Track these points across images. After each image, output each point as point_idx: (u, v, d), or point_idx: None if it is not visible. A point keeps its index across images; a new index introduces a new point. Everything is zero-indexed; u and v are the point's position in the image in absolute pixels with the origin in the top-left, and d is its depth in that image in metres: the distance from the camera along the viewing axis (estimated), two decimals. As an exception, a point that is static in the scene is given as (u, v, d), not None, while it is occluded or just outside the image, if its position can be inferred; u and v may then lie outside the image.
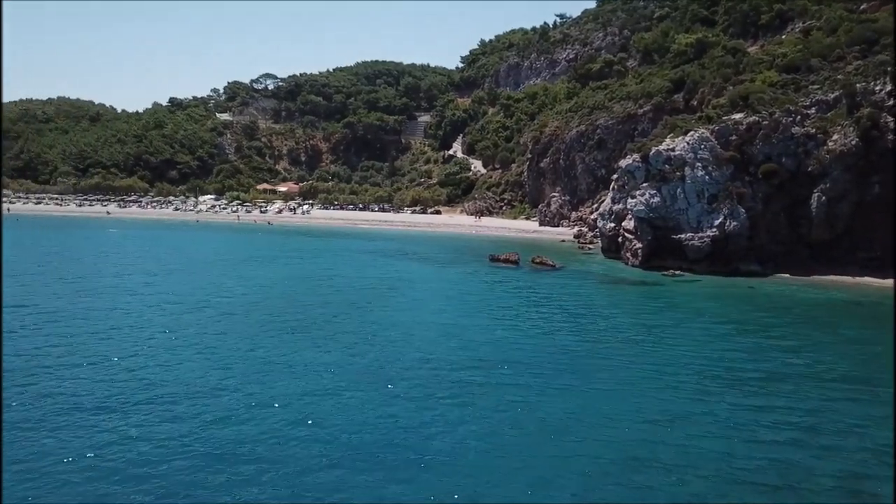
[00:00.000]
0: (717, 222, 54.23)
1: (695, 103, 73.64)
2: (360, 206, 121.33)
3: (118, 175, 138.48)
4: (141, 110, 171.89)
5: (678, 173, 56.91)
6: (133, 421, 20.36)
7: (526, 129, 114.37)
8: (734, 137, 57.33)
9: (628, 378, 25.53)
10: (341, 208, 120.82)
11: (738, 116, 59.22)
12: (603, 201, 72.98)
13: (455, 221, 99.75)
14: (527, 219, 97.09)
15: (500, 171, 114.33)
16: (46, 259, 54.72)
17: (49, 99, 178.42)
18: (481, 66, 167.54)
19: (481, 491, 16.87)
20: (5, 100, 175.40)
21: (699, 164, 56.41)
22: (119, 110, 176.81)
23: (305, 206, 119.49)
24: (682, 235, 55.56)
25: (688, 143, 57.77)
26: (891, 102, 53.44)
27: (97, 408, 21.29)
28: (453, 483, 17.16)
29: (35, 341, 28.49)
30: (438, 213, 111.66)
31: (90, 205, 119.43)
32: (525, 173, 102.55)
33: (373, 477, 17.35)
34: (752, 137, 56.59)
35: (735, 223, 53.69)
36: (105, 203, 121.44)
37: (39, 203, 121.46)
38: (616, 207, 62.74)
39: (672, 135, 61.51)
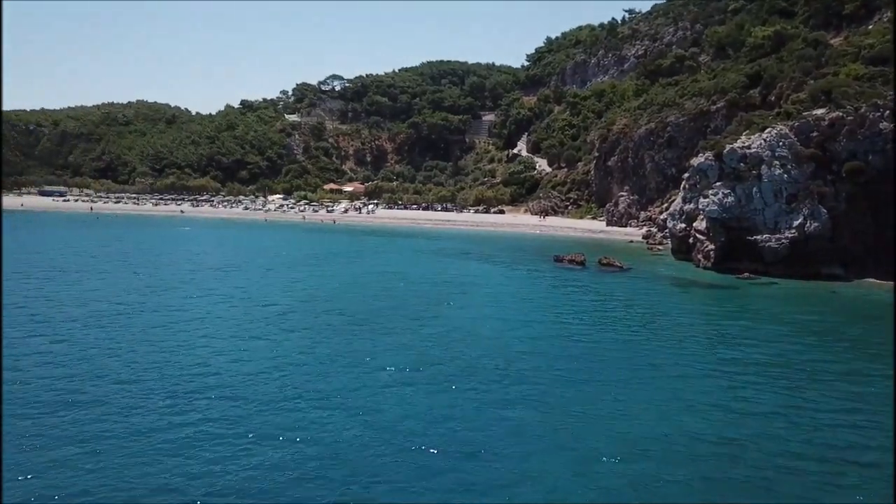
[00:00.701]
0: (796, 223, 51.53)
1: (772, 99, 70.40)
2: (424, 205, 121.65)
3: (192, 175, 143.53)
4: (214, 112, 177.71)
5: (754, 172, 54.40)
6: (195, 409, 20.88)
7: (593, 127, 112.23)
8: (815, 134, 54.36)
9: (702, 387, 24.25)
10: (405, 208, 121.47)
11: (819, 112, 56.13)
12: (673, 201, 70.69)
13: (519, 221, 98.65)
14: (593, 218, 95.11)
15: (565, 169, 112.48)
16: (124, 256, 56.83)
17: (129, 102, 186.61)
18: (547, 63, 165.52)
19: (540, 494, 16.19)
20: (90, 103, 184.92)
21: (777, 163, 53.75)
22: (193, 112, 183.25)
23: (370, 206, 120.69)
24: (758, 237, 53.08)
25: (765, 141, 55.15)
26: None
27: (162, 397, 21.84)
28: (513, 484, 16.69)
29: (111, 333, 29.62)
30: (502, 212, 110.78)
31: (165, 204, 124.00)
32: (592, 172, 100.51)
33: (431, 475, 17.10)
34: (836, 134, 53.51)
35: (816, 224, 50.88)
36: (179, 202, 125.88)
37: (118, 202, 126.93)
38: (687, 207, 60.53)
39: (748, 132, 58.88)
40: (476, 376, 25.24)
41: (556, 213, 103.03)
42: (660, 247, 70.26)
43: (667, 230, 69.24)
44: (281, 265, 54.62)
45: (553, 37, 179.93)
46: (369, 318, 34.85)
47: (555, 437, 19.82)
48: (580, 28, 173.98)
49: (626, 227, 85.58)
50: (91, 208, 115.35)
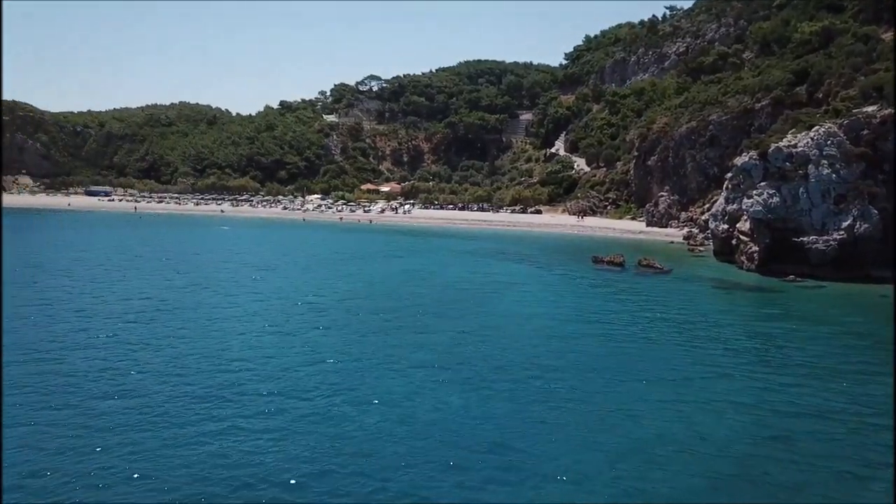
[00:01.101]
0: (844, 224, 49.82)
1: (820, 96, 68.31)
2: (460, 205, 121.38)
3: (232, 175, 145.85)
4: (253, 113, 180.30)
5: (801, 171, 52.77)
6: (231, 402, 21.24)
7: (632, 126, 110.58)
8: (866, 132, 52.52)
9: (744, 389, 23.50)
10: (441, 208, 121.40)
11: (870, 109, 54.23)
12: (715, 201, 69.12)
13: (557, 221, 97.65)
14: (632, 219, 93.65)
15: (604, 169, 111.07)
16: (166, 254, 57.86)
17: (172, 104, 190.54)
18: (586, 62, 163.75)
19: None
20: (134, 105, 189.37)
21: (825, 162, 52.05)
22: (234, 113, 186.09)
23: (406, 206, 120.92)
24: (805, 238, 51.47)
25: (812, 139, 53.47)
26: None
27: (199, 391, 22.33)
28: (546, 482, 16.51)
29: (154, 329, 30.18)
30: (539, 212, 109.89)
31: (206, 204, 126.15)
32: (631, 172, 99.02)
33: (466, 476, 16.95)
34: (887, 132, 51.61)
35: (866, 225, 49.13)
36: (219, 202, 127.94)
37: (161, 202, 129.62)
38: (730, 208, 59.08)
39: (794, 130, 57.19)
40: (511, 376, 25.04)
41: (594, 213, 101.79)
42: (701, 248, 68.77)
43: (708, 231, 67.77)
44: (318, 264, 54.98)
45: (592, 35, 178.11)
46: (404, 318, 34.84)
47: (591, 437, 19.51)
48: (620, 26, 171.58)
49: (666, 227, 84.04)
50: (135, 208, 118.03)
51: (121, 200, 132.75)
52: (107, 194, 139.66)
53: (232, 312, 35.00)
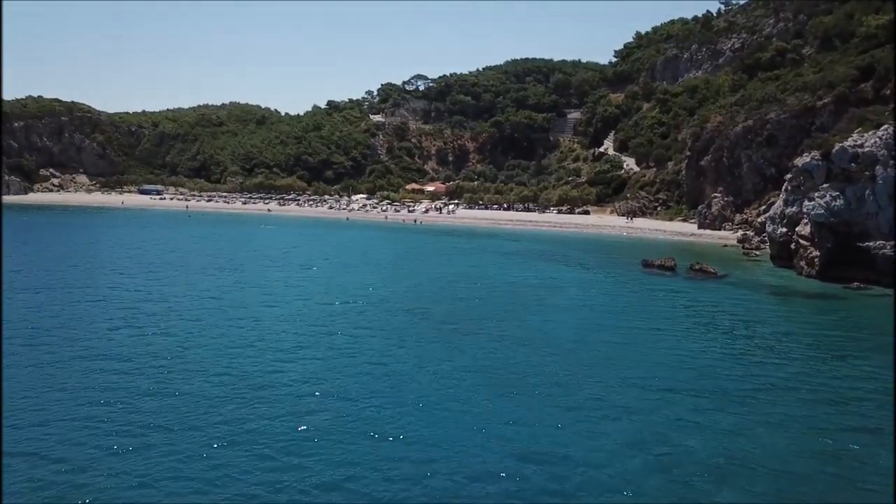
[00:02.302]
0: (915, 229, 46.81)
1: (887, 93, 64.71)
2: (505, 205, 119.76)
3: (280, 175, 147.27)
4: (301, 113, 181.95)
5: (867, 173, 49.87)
6: (274, 403, 21.67)
7: (684, 125, 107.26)
8: (940, 130, 49.26)
9: (805, 409, 21.76)
10: (486, 208, 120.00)
11: (944, 106, 50.89)
12: (772, 203, 66.26)
13: (605, 222, 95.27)
14: (684, 221, 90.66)
15: (654, 169, 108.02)
16: (214, 253, 58.22)
17: (222, 104, 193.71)
18: (636, 59, 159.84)
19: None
20: (187, 105, 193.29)
21: (893, 163, 49.04)
22: (282, 113, 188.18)
23: (451, 206, 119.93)
24: (871, 243, 48.63)
25: (880, 139, 50.46)
26: None
27: (243, 391, 22.79)
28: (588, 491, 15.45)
29: (199, 328, 30.59)
30: (587, 213, 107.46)
31: (254, 203, 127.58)
32: (683, 172, 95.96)
33: (514, 485, 16.72)
34: (964, 130, 48.30)
35: (939, 230, 46.04)
36: (267, 201, 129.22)
37: (210, 201, 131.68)
38: (789, 210, 56.35)
39: (860, 129, 54.13)
40: (558, 383, 24.26)
41: (643, 214, 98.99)
42: (757, 252, 65.91)
43: (765, 234, 64.96)
44: (362, 265, 54.50)
45: (643, 32, 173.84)
46: (448, 320, 34.11)
47: (645, 449, 18.69)
48: (672, 22, 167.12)
49: (719, 230, 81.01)
50: (187, 207, 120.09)
51: (172, 199, 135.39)
52: (158, 193, 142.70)
53: (275, 312, 35.27)
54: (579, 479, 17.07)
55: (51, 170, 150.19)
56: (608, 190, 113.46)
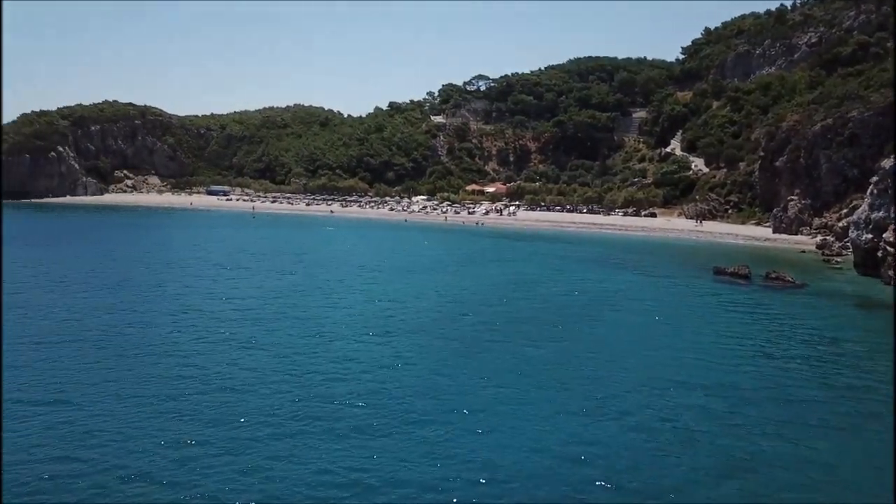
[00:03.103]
0: None
1: None
2: (568, 207, 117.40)
3: (342, 176, 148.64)
4: (364, 114, 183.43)
5: (966, 175, 46.09)
6: (327, 408, 21.58)
7: (757, 124, 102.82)
8: None
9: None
10: (548, 209, 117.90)
11: None
12: (855, 207, 62.43)
13: (672, 226, 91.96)
14: (757, 224, 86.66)
15: (724, 170, 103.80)
16: (277, 255, 58.67)
17: (287, 106, 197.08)
18: (705, 56, 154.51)
19: None
20: (253, 108, 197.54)
21: None
22: (345, 115, 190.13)
23: (512, 208, 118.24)
24: (970, 252, 44.91)
25: (981, 138, 46.55)
26: None
27: (296, 399, 22.58)
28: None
29: (260, 330, 30.34)
30: (653, 215, 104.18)
31: (317, 204, 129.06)
32: (756, 173, 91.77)
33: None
34: None
35: None
36: (329, 203, 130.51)
37: (275, 202, 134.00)
38: (875, 215, 52.77)
39: (957, 127, 50.18)
40: (623, 400, 23.14)
41: (713, 217, 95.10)
42: (838, 259, 62.09)
43: (847, 240, 61.20)
44: (420, 268, 53.87)
45: (712, 27, 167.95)
46: (507, 329, 33.10)
47: (724, 477, 17.38)
48: (743, 17, 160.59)
49: (796, 234, 76.97)
50: (253, 208, 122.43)
51: (238, 200, 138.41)
52: (225, 194, 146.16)
53: (334, 315, 35.31)
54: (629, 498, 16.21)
55: (125, 171, 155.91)
56: (675, 191, 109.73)
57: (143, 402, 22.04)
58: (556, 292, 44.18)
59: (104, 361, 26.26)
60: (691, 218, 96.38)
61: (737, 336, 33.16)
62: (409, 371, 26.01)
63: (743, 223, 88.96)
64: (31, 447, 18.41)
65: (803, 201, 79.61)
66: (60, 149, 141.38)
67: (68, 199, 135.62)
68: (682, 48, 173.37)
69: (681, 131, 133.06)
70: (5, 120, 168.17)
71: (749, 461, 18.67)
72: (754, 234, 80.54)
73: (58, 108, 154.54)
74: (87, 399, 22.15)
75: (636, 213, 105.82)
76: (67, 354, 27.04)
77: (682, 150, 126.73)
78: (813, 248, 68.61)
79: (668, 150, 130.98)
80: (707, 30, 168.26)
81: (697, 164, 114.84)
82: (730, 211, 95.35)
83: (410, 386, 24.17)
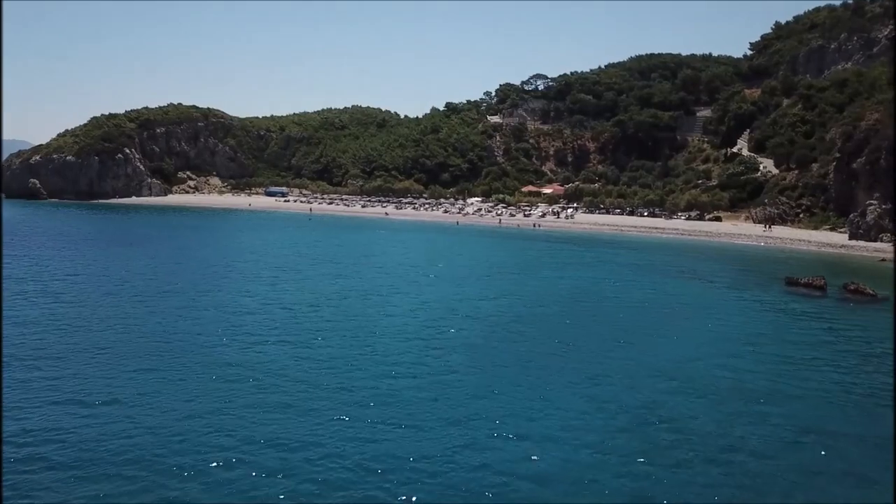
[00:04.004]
0: None
1: None
2: (628, 210, 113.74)
3: (398, 177, 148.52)
4: (420, 115, 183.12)
5: None
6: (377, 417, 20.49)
7: (832, 123, 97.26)
8: None
9: None
10: (607, 212, 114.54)
11: None
12: (945, 213, 57.62)
13: (739, 230, 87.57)
14: (831, 230, 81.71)
15: (796, 171, 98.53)
16: (333, 259, 58.14)
17: (345, 108, 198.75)
18: (775, 52, 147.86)
19: None
20: (311, 109, 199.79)
21: None
22: (402, 116, 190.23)
23: (569, 210, 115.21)
24: None
25: None
26: None
27: (346, 402, 22.55)
28: None
29: (308, 337, 29.86)
30: (718, 219, 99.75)
31: (372, 206, 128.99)
32: (830, 175, 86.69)
33: None
34: None
35: None
36: (384, 204, 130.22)
37: (331, 203, 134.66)
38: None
39: None
40: (678, 427, 21.42)
41: (783, 221, 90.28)
42: (924, 269, 57.49)
43: (935, 249, 56.57)
44: (474, 274, 52.32)
45: (783, 22, 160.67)
46: (566, 343, 31.42)
47: None
48: (817, 10, 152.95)
49: (875, 241, 72.08)
50: (310, 210, 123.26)
51: (295, 201, 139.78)
52: (283, 195, 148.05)
53: (384, 325, 34.63)
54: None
55: (187, 172, 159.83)
56: (742, 194, 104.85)
57: (193, 409, 21.96)
58: (617, 303, 41.90)
59: (165, 364, 26.17)
60: (759, 223, 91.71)
61: (815, 359, 30.30)
62: (461, 390, 24.53)
63: (815, 229, 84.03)
64: (93, 448, 18.93)
65: (884, 206, 74.50)
66: (127, 151, 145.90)
67: (134, 199, 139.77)
68: (751, 44, 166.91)
69: (748, 131, 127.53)
70: (75, 123, 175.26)
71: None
72: (828, 240, 75.84)
73: (125, 112, 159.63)
74: (150, 400, 22.77)
75: (700, 217, 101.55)
76: (126, 355, 27.70)
77: (750, 150, 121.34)
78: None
79: (734, 150, 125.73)
80: (777, 24, 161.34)
81: (766, 165, 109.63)
82: (801, 215, 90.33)
83: (460, 407, 22.81)
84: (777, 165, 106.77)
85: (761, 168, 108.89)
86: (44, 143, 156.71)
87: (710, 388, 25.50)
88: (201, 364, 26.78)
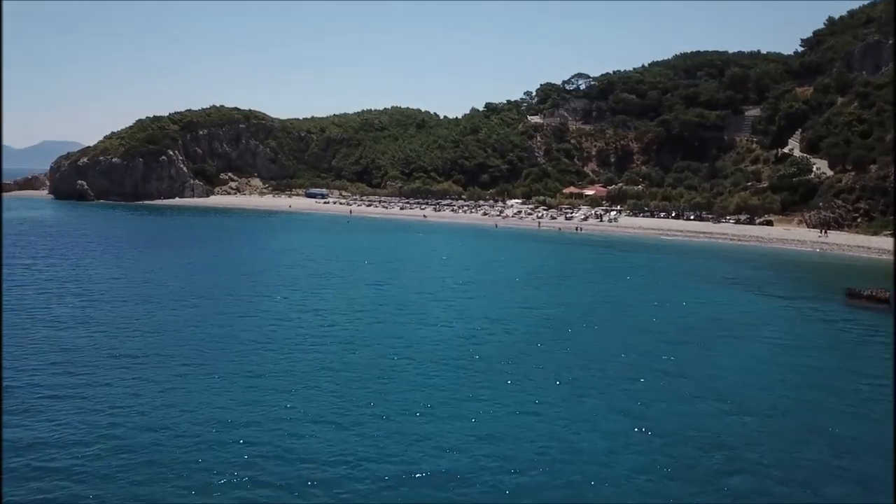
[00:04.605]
0: None
1: None
2: (674, 212, 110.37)
3: (436, 179, 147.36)
4: (460, 116, 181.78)
5: None
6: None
7: (891, 122, 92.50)
8: None
9: None
10: (651, 215, 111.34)
11: None
12: None
13: (793, 236, 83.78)
14: (892, 236, 77.52)
15: (852, 173, 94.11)
16: (376, 264, 57.16)
17: (384, 109, 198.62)
18: (828, 48, 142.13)
19: None
20: (351, 110, 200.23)
21: None
22: (441, 116, 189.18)
23: (612, 213, 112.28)
24: None
25: None
26: None
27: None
28: None
29: (342, 348, 28.07)
30: (769, 223, 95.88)
31: (410, 208, 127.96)
32: (891, 177, 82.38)
33: None
34: None
35: None
36: (423, 206, 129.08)
37: (370, 205, 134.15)
38: None
39: None
40: (735, 456, 19.77)
41: (839, 226, 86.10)
42: None
43: None
44: (512, 282, 50.81)
45: (836, 16, 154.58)
46: (606, 359, 29.85)
47: None
48: (874, 3, 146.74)
49: (940, 248, 67.91)
50: (350, 212, 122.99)
51: (335, 203, 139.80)
52: (323, 196, 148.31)
53: (418, 336, 33.61)
54: None
55: (229, 174, 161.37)
56: (794, 197, 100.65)
57: (226, 417, 20.81)
58: (665, 316, 39.84)
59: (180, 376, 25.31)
60: (814, 227, 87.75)
61: (875, 381, 27.93)
62: (499, 407, 23.19)
63: (875, 234, 79.89)
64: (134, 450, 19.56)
65: (950, 210, 70.32)
66: (171, 153, 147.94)
67: (177, 200, 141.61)
68: (802, 40, 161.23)
69: (800, 130, 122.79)
70: (122, 125, 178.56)
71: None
72: (889, 247, 71.77)
73: (169, 114, 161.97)
74: (176, 408, 22.96)
75: (750, 221, 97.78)
76: (160, 365, 27.68)
77: (802, 150, 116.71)
78: (964, 265, 59.97)
79: (785, 150, 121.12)
80: (830, 19, 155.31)
81: (820, 166, 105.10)
82: (858, 220, 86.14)
83: (496, 424, 21.67)
84: (832, 167, 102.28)
85: (814, 169, 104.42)
86: (91, 145, 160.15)
87: (766, 411, 23.63)
88: (236, 373, 26.76)
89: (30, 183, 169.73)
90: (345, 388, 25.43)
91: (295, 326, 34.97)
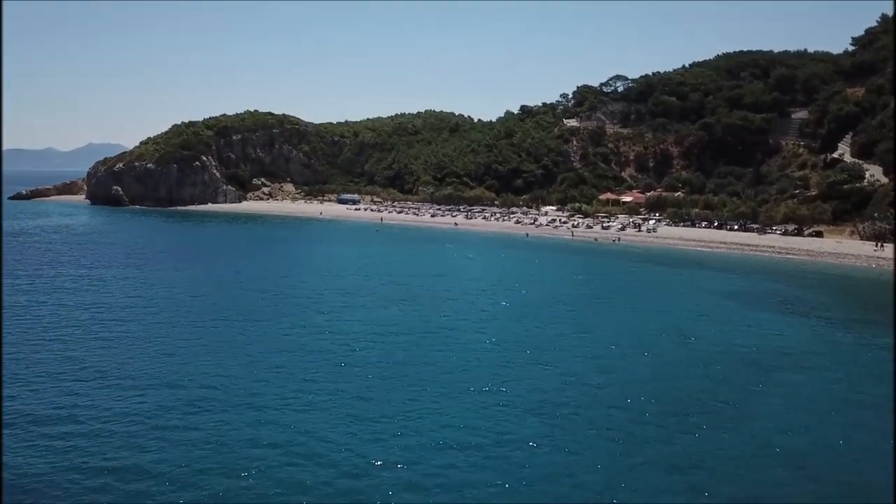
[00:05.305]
0: None
1: None
2: (716, 222, 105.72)
3: (469, 184, 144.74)
4: (494, 119, 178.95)
5: None
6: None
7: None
8: None
9: None
10: (692, 224, 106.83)
11: None
12: None
13: (845, 249, 78.80)
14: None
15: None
16: (394, 281, 54.89)
17: (418, 112, 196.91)
18: (881, 47, 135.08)
19: None
20: (385, 114, 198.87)
21: None
22: (475, 120, 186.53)
23: (651, 222, 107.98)
24: None
25: None
26: None
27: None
28: None
29: (358, 373, 25.60)
30: (819, 234, 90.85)
31: (441, 215, 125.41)
32: (952, 187, 77.02)
33: None
34: None
35: None
36: (454, 214, 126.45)
37: (401, 212, 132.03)
38: None
39: None
40: None
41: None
42: None
43: None
44: (547, 303, 47.75)
45: (890, 14, 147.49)
46: (648, 404, 27.06)
47: None
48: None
49: None
50: (381, 219, 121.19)
51: (366, 209, 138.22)
52: (354, 202, 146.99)
53: (448, 367, 31.85)
54: None
55: (262, 179, 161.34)
56: (846, 205, 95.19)
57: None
58: (712, 349, 36.53)
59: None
60: (868, 240, 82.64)
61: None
62: (529, 470, 20.45)
63: (937, 247, 74.62)
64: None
65: None
66: (204, 158, 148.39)
67: (209, 206, 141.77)
68: (853, 39, 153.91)
69: (851, 134, 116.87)
70: (157, 131, 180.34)
71: None
72: (954, 262, 66.85)
73: (203, 119, 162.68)
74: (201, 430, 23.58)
75: (798, 232, 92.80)
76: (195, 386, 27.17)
77: (853, 155, 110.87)
78: None
79: (835, 155, 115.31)
80: (884, 17, 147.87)
81: (873, 172, 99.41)
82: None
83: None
84: (886, 173, 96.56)
85: (867, 176, 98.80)
86: (128, 149, 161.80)
87: (827, 467, 20.55)
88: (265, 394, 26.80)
89: (68, 188, 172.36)
90: (364, 429, 23.09)
91: (315, 354, 33.53)
